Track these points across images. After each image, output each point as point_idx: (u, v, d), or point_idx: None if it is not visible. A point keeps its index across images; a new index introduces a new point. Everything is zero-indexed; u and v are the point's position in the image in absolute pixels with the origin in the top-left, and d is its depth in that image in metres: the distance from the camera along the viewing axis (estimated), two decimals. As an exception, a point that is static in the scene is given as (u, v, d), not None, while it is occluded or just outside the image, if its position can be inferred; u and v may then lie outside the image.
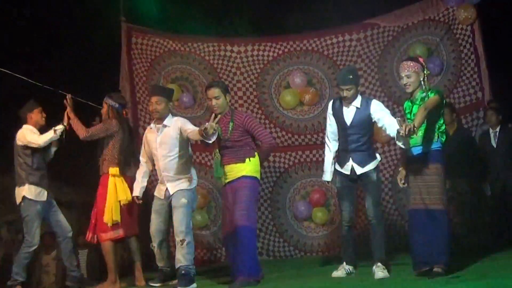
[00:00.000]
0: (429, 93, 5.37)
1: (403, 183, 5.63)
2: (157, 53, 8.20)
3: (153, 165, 6.07)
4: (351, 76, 5.72)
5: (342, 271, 5.86)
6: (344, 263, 5.90)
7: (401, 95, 7.99)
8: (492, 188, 7.41)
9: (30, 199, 6.20)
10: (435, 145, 5.39)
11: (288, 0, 8.65)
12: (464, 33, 7.86)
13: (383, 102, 7.82)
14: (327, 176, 5.94)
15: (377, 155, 5.86)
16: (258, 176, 5.75)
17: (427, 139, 5.39)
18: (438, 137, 5.41)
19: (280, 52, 8.41)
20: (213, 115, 5.47)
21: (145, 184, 6.18)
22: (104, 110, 6.30)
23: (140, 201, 6.21)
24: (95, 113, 7.50)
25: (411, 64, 5.41)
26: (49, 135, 6.21)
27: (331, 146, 5.91)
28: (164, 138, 5.87)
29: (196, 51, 8.33)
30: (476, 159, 7.44)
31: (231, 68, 8.38)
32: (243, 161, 5.65)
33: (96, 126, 6.24)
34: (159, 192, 5.99)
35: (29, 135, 6.24)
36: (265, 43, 8.38)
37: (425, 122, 5.29)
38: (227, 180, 5.72)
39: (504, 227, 7.22)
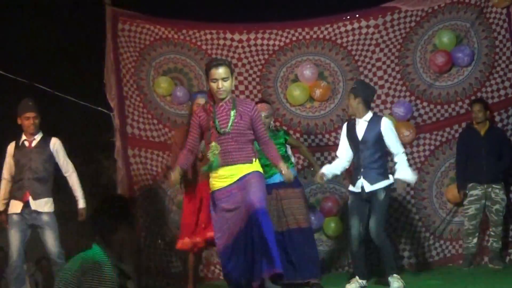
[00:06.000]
0: None
1: None
2: (147, 42, 7.65)
3: None
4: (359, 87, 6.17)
5: (355, 284, 5.97)
6: (357, 277, 6.03)
7: (426, 89, 7.62)
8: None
9: None
10: None
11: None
12: (498, 17, 7.35)
13: (404, 97, 7.65)
14: (327, 169, 6.07)
15: (390, 176, 5.97)
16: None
17: None
18: None
19: (288, 41, 7.80)
20: None
21: None
22: None
23: None
24: (78, 109, 7.14)
25: None
26: None
27: (343, 160, 6.10)
28: None
29: (192, 39, 7.75)
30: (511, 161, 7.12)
31: (232, 59, 7.74)
32: (251, 162, 5.05)
33: None
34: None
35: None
36: (270, 31, 7.78)
37: None
38: (230, 182, 4.98)
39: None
